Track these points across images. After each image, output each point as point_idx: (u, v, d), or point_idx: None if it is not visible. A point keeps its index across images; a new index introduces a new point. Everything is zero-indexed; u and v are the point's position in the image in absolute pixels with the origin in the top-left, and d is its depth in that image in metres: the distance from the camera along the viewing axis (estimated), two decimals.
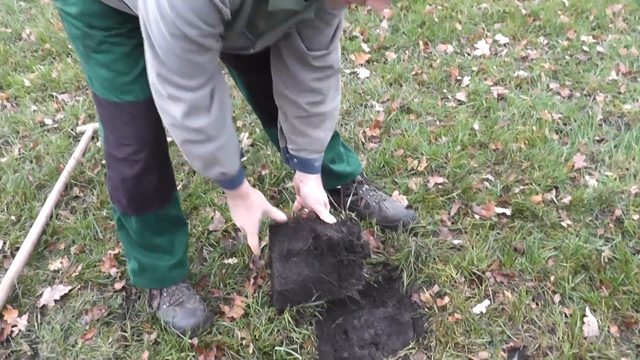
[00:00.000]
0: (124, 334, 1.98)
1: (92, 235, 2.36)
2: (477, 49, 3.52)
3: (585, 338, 1.87)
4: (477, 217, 2.32)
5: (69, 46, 3.69)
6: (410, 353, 1.85)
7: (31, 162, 2.79)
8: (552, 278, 2.04)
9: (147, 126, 1.60)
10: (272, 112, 1.88)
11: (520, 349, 1.87)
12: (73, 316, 2.06)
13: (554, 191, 2.43)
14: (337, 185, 2.27)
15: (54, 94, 3.28)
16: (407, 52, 3.52)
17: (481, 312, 1.93)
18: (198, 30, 1.26)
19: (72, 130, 2.99)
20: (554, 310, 1.94)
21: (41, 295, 2.14)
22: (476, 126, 2.83)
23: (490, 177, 2.53)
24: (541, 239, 2.20)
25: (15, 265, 2.20)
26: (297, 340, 1.90)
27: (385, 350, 1.86)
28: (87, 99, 3.20)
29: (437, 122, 2.91)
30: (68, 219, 2.45)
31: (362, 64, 3.42)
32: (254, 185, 2.29)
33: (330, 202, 2.31)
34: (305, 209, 2.01)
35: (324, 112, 1.77)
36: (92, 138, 2.90)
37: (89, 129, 2.92)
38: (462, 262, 2.10)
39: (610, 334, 1.87)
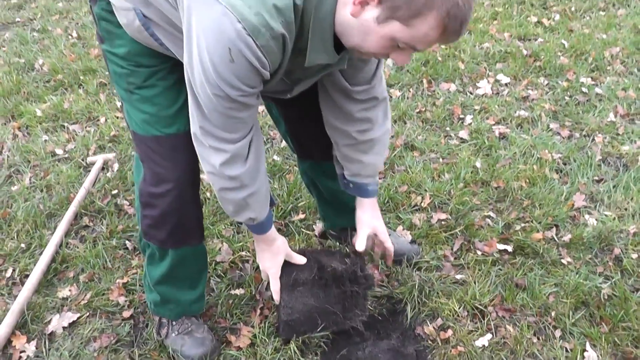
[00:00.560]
0: None
1: (101, 264, 2.40)
2: (479, 88, 3.61)
3: None
4: (479, 253, 2.37)
5: (81, 77, 3.79)
6: None
7: (42, 191, 2.84)
8: (553, 313, 2.09)
9: (187, 159, 1.65)
10: (305, 143, 1.97)
11: None
12: (81, 343, 2.09)
13: (554, 229, 2.49)
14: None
15: (65, 124, 3.36)
16: (411, 90, 3.61)
17: (483, 346, 1.97)
18: (240, 92, 1.35)
19: (82, 160, 3.05)
20: (555, 345, 1.98)
21: (50, 322, 2.17)
22: (478, 164, 2.90)
23: (492, 214, 2.59)
24: (542, 276, 2.25)
25: (25, 292, 2.24)
26: None
27: None
28: (97, 130, 3.28)
29: (440, 160, 2.98)
30: (77, 247, 2.49)
31: None
32: None
33: (337, 237, 2.38)
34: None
35: (372, 139, 1.84)
36: (103, 169, 2.96)
37: (99, 159, 2.99)
38: (465, 297, 2.14)
39: None
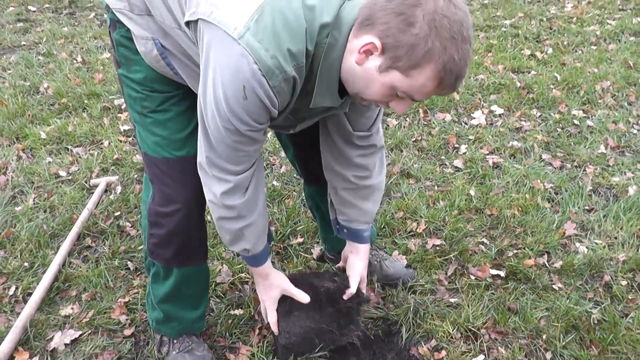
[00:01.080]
0: None
1: (103, 284, 2.44)
2: (474, 118, 3.70)
3: None
4: (472, 277, 2.43)
5: (85, 101, 3.86)
6: None
7: (45, 211, 2.90)
8: (544, 336, 2.15)
9: (195, 181, 1.69)
10: (312, 169, 2.04)
11: None
12: (83, 359, 2.13)
13: (545, 256, 2.56)
14: None
15: (69, 147, 3.42)
16: (407, 119, 3.70)
17: None
18: (248, 127, 1.44)
19: (85, 182, 3.11)
20: None
21: (52, 339, 2.21)
22: (472, 192, 2.97)
23: (485, 240, 2.66)
24: (534, 300, 2.31)
25: (28, 309, 2.27)
26: None
27: None
28: (101, 153, 3.34)
29: (436, 187, 3.05)
30: (80, 267, 2.54)
31: None
32: None
33: (334, 260, 2.44)
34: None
35: (370, 185, 1.92)
36: (105, 191, 3.02)
37: (102, 182, 3.05)
38: (459, 319, 2.20)
39: None
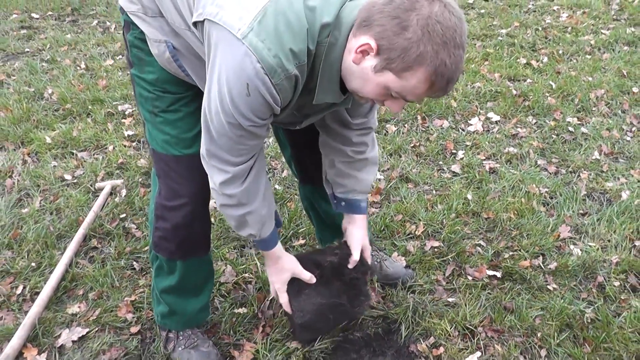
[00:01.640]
0: None
1: (110, 283, 2.50)
2: (471, 125, 3.78)
3: None
4: (470, 278, 2.50)
5: (89, 107, 3.92)
6: None
7: (51, 213, 2.95)
8: (539, 334, 2.22)
9: (201, 178, 1.75)
10: (308, 168, 2.12)
11: None
12: (91, 356, 2.18)
13: (541, 258, 2.63)
14: None
15: (74, 151, 3.48)
16: (406, 125, 3.77)
17: None
18: (251, 122, 1.50)
19: (91, 186, 3.16)
20: None
21: (59, 336, 2.26)
22: (469, 196, 3.04)
23: (482, 242, 2.73)
24: (529, 300, 2.38)
25: (36, 307, 2.33)
26: None
27: None
28: (105, 157, 3.41)
29: (434, 191, 3.12)
30: (87, 267, 2.60)
31: None
32: None
33: None
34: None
35: (367, 158, 1.99)
36: (111, 194, 3.08)
37: (107, 185, 3.11)
38: (456, 318, 2.27)
39: None
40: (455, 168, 3.32)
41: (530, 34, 5.22)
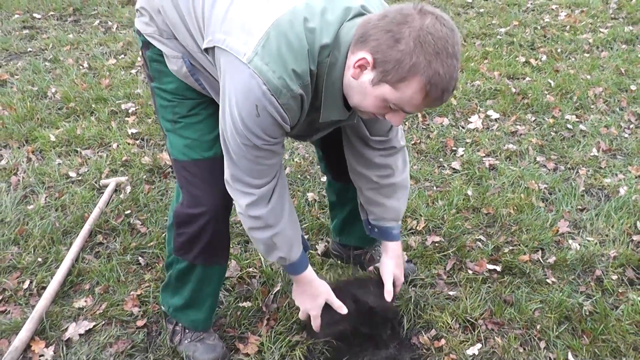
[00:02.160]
0: None
1: (116, 278, 2.54)
2: (471, 122, 3.82)
3: None
4: (470, 272, 2.54)
5: (93, 106, 3.96)
6: None
7: (57, 210, 2.99)
8: (538, 327, 2.26)
9: (222, 184, 1.77)
10: (339, 168, 2.13)
11: None
12: (98, 348, 2.22)
13: (540, 252, 2.67)
14: (365, 245, 2.52)
15: (78, 149, 3.51)
16: (407, 123, 3.81)
17: (474, 354, 2.14)
18: (264, 141, 1.57)
19: (95, 183, 3.20)
20: (540, 355, 2.15)
21: (67, 329, 2.30)
22: (470, 192, 3.08)
23: (482, 237, 2.77)
24: (528, 293, 2.42)
25: (43, 301, 2.37)
26: None
27: None
28: (109, 155, 3.44)
29: (434, 188, 3.17)
30: (93, 262, 2.63)
31: None
32: None
33: (339, 255, 2.55)
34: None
35: (394, 183, 2.02)
36: (115, 191, 3.12)
37: (112, 182, 3.14)
38: (457, 310, 2.31)
39: None
40: (456, 165, 3.36)
41: (529, 33, 5.26)
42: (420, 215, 2.89)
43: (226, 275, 2.50)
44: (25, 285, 2.52)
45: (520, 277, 2.51)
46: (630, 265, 2.58)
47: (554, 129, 3.75)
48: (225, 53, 1.51)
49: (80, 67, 4.66)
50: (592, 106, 4.01)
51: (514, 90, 4.20)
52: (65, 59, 4.77)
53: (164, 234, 2.74)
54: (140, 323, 2.33)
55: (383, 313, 2.09)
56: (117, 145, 3.53)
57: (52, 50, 4.96)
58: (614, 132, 3.69)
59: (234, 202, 1.79)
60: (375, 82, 1.45)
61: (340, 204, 2.40)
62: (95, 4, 6.11)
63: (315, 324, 2.02)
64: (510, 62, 4.65)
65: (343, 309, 1.99)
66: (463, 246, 2.68)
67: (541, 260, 2.62)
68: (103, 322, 2.34)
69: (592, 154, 3.47)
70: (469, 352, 2.14)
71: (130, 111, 3.94)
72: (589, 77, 4.39)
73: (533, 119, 3.88)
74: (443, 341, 2.19)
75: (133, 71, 4.59)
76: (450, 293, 2.43)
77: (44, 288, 2.47)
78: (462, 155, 3.46)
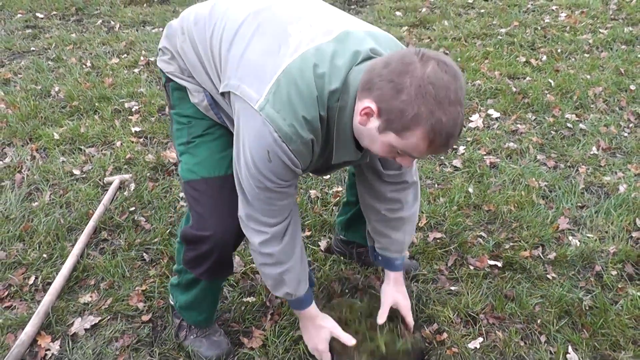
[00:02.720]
0: (153, 359, 2.18)
1: (120, 274, 2.56)
2: (472, 121, 3.84)
3: None
4: (471, 267, 2.57)
5: (96, 104, 3.99)
6: None
7: (61, 207, 3.01)
8: (539, 321, 2.29)
9: (231, 199, 1.78)
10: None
11: None
12: (104, 342, 2.25)
13: (540, 248, 2.70)
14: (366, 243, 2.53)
15: (82, 147, 3.54)
16: None
17: (475, 348, 2.16)
18: (276, 184, 1.62)
19: (99, 180, 3.23)
20: (540, 348, 2.18)
21: (72, 324, 2.33)
22: (471, 190, 3.11)
23: (483, 234, 2.79)
24: (529, 288, 2.45)
25: (49, 296, 2.40)
26: None
27: None
28: (113, 152, 3.47)
29: (436, 185, 3.19)
30: (97, 258, 2.66)
31: None
32: None
33: (341, 252, 2.58)
34: None
35: (402, 217, 2.03)
36: (119, 188, 3.15)
37: (116, 180, 3.17)
38: (459, 305, 2.34)
39: None
40: (457, 163, 3.39)
41: (529, 33, 5.29)
42: (422, 212, 2.92)
43: None
44: (31, 281, 2.54)
45: (520, 273, 2.54)
46: (629, 261, 2.61)
47: (554, 127, 3.78)
48: (238, 99, 1.56)
49: (84, 66, 4.69)
50: (592, 105, 4.03)
51: (514, 89, 4.23)
52: (69, 58, 4.80)
53: (168, 231, 2.78)
54: (145, 318, 2.36)
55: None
56: (121, 143, 3.56)
57: (55, 50, 5.00)
58: (613, 131, 3.72)
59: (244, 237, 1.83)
60: (382, 130, 1.46)
61: (357, 204, 2.41)
62: (98, 3, 6.15)
63: (325, 358, 2.04)
64: (511, 62, 4.68)
65: (350, 340, 2.00)
66: (464, 242, 2.70)
67: (541, 256, 2.64)
68: (108, 317, 2.36)
69: (591, 153, 3.49)
70: (471, 345, 2.17)
71: (133, 110, 3.97)
72: (588, 77, 4.41)
73: (533, 118, 3.90)
74: (445, 335, 2.22)
75: (136, 70, 4.62)
76: (452, 288, 2.46)
77: (50, 284, 2.50)
78: (463, 154, 3.48)
